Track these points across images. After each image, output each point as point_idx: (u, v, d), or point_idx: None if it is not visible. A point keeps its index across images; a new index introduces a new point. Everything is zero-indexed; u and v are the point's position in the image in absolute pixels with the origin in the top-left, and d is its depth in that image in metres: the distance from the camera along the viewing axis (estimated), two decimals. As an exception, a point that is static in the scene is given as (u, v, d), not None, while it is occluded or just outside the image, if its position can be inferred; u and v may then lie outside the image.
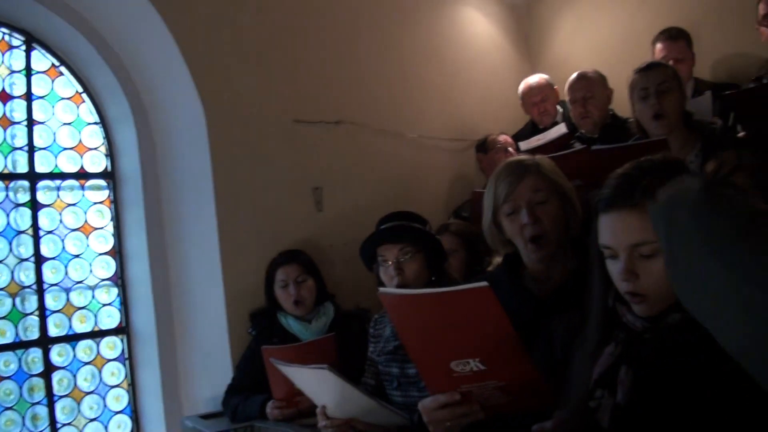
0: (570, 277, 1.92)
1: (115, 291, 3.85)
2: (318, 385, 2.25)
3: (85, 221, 3.81)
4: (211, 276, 3.55)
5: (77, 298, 3.72)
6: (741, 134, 2.96)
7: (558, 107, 4.43)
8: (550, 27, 5.24)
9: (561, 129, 3.89)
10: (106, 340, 3.78)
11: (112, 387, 3.77)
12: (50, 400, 3.52)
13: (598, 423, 1.40)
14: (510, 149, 4.20)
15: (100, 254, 3.84)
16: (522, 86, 4.53)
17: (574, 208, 1.98)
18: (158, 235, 3.81)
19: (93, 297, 3.77)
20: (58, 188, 3.76)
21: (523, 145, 3.97)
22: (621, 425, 1.36)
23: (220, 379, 3.37)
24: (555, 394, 1.52)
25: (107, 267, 3.85)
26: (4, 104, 3.64)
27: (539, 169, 1.96)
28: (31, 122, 3.69)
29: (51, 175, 3.74)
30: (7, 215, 3.57)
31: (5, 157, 3.61)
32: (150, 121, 3.87)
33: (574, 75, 3.85)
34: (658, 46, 3.91)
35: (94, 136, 3.92)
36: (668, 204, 1.06)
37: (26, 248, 3.60)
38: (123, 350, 3.82)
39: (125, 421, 3.77)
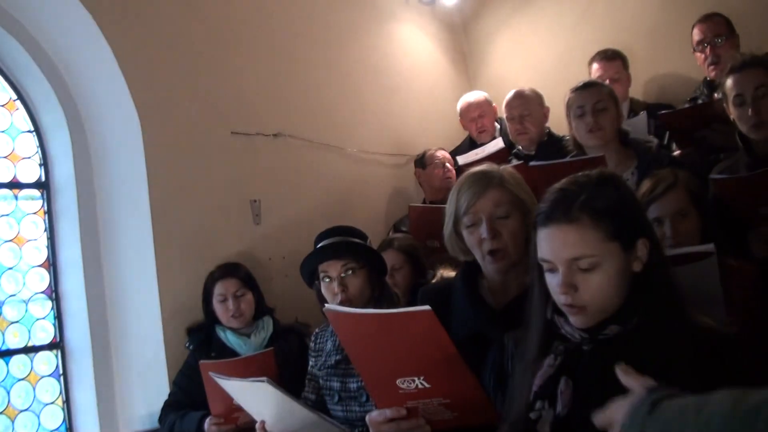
0: (525, 291, 1.93)
1: (49, 304, 3.72)
2: (257, 399, 2.21)
3: (18, 232, 3.68)
4: (147, 289, 3.48)
5: (10, 312, 3.58)
6: (676, 153, 3.05)
7: (496, 123, 4.50)
8: (488, 46, 5.32)
9: (498, 143, 3.96)
10: (40, 356, 3.64)
11: (47, 404, 3.62)
12: (-17, 417, 3.38)
13: (539, 434, 1.41)
14: (448, 165, 4.24)
15: (34, 266, 3.71)
16: (461, 103, 4.59)
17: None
18: (93, 246, 3.70)
19: (26, 310, 3.64)
20: (-9, 198, 3.62)
21: (461, 159, 4.02)
22: None
23: (157, 395, 3.30)
24: (503, 407, 1.54)
25: (41, 279, 3.72)
26: (-66, 112, 3.50)
27: (503, 183, 1.96)
28: (-38, 130, 3.56)
29: (-17, 185, 3.61)
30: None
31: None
32: (85, 130, 3.77)
33: (512, 93, 3.91)
34: (595, 66, 4.02)
35: (28, 145, 3.80)
36: (659, 416, 1.10)
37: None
38: (57, 366, 3.68)
39: (61, 438, 3.64)
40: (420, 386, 1.49)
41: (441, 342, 1.44)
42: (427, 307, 1.42)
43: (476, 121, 4.46)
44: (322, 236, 2.62)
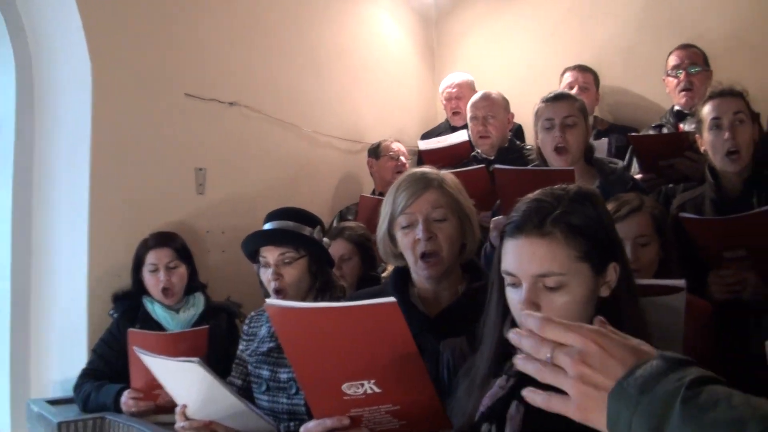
0: (459, 300, 1.87)
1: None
2: (183, 380, 2.09)
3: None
4: (77, 247, 3.31)
5: None
6: (638, 176, 3.03)
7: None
8: (458, 45, 5.26)
9: (462, 135, 3.91)
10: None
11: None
12: None
13: (483, 458, 1.33)
14: (402, 158, 4.19)
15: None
16: (445, 79, 4.59)
17: (473, 230, 1.93)
18: (25, 192, 3.53)
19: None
20: None
21: (423, 144, 3.99)
22: None
23: (74, 362, 3.15)
24: None
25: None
26: None
27: (442, 185, 1.90)
28: None
29: None
30: None
31: None
32: (33, 68, 3.58)
33: (479, 93, 3.89)
34: (567, 74, 4.02)
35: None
36: (647, 399, 0.89)
37: None
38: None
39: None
40: (369, 391, 1.37)
41: (402, 340, 1.33)
42: (391, 299, 1.31)
43: (452, 102, 4.43)
44: (270, 216, 2.54)
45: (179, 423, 2.12)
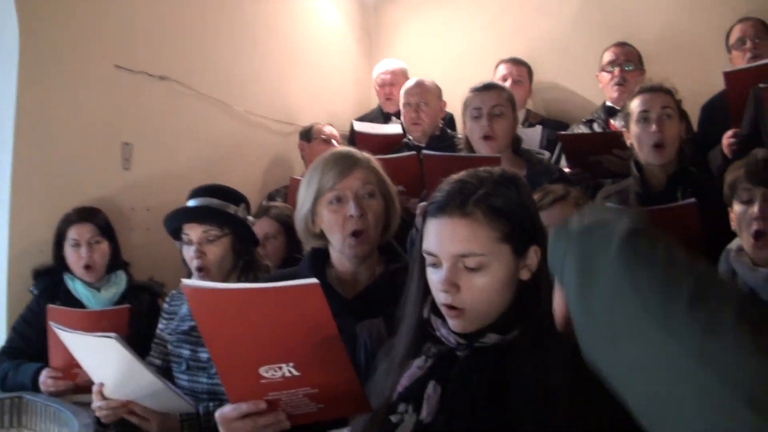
0: (376, 281, 1.87)
1: None
2: (100, 357, 2.03)
3: None
4: (-3, 219, 3.18)
5: None
6: (566, 170, 3.08)
7: None
8: (396, 29, 5.27)
9: (397, 128, 3.92)
10: None
11: None
12: None
13: (398, 438, 1.33)
14: (334, 142, 4.16)
15: None
16: (379, 65, 4.59)
17: (395, 212, 1.94)
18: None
19: None
20: None
21: (358, 126, 3.98)
22: None
23: (-8, 340, 3.03)
24: None
25: None
26: None
27: (369, 164, 1.90)
28: None
29: None
30: None
31: None
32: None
33: (412, 80, 3.89)
34: (501, 67, 4.07)
35: None
36: (586, 239, 0.91)
37: None
38: None
39: None
40: (288, 374, 1.35)
41: (322, 322, 1.32)
42: (313, 280, 1.29)
43: (385, 88, 4.45)
44: (194, 193, 2.49)
45: (96, 402, 2.07)
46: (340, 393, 1.40)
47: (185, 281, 1.35)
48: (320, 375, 1.37)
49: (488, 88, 2.90)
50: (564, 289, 0.93)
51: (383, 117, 4.38)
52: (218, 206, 2.43)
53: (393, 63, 4.56)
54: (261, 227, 3.11)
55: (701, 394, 0.71)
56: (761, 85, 2.56)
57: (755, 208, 1.99)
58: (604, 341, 0.84)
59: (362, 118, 4.50)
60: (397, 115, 4.13)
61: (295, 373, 1.36)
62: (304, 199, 1.91)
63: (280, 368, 1.35)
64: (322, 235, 1.90)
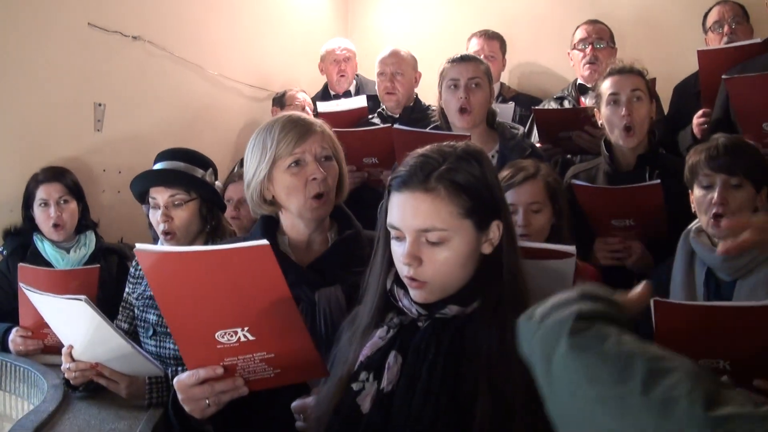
0: (332, 248, 1.86)
1: None
2: (69, 320, 2.04)
3: None
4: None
5: None
6: (538, 145, 3.11)
7: (354, 79, 4.49)
8: (372, -1, 5.23)
9: (361, 101, 3.90)
10: None
11: None
12: None
13: (359, 406, 1.36)
14: (307, 108, 4.14)
15: None
16: (328, 43, 4.52)
17: (345, 176, 1.94)
18: None
19: None
20: None
21: (321, 106, 3.95)
22: (381, 412, 1.34)
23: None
24: None
25: None
26: None
27: (324, 129, 1.89)
28: None
29: None
30: None
31: None
32: None
33: (388, 49, 3.85)
34: (474, 41, 4.07)
35: None
36: (544, 330, 0.97)
37: None
38: None
39: None
40: (243, 339, 1.37)
41: (275, 283, 1.33)
42: (264, 242, 1.30)
43: (339, 65, 4.41)
44: (161, 156, 2.46)
45: (65, 364, 2.08)
46: (297, 358, 1.42)
47: (138, 246, 1.34)
48: (275, 338, 1.39)
49: (466, 59, 2.89)
50: (534, 372, 0.99)
51: (326, 98, 4.32)
52: (185, 170, 2.40)
53: (342, 40, 4.54)
54: (235, 191, 3.10)
55: None
56: (724, 76, 2.61)
57: (715, 194, 2.03)
58: (570, 424, 0.91)
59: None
60: (347, 94, 4.14)
61: (251, 337, 1.37)
62: (257, 165, 1.86)
63: (236, 333, 1.36)
64: (272, 202, 1.88)
